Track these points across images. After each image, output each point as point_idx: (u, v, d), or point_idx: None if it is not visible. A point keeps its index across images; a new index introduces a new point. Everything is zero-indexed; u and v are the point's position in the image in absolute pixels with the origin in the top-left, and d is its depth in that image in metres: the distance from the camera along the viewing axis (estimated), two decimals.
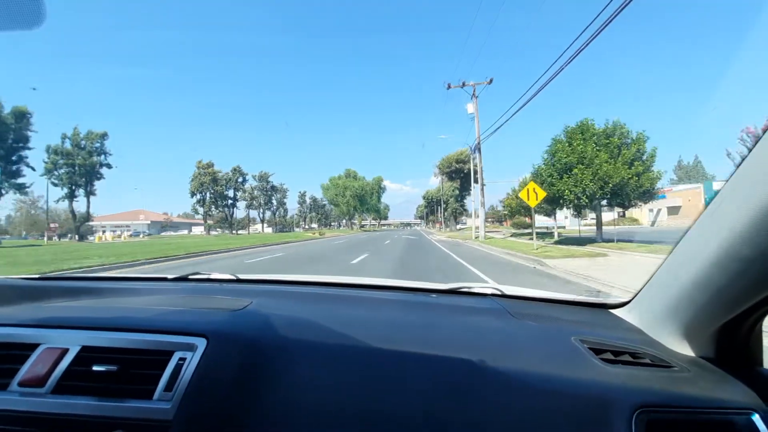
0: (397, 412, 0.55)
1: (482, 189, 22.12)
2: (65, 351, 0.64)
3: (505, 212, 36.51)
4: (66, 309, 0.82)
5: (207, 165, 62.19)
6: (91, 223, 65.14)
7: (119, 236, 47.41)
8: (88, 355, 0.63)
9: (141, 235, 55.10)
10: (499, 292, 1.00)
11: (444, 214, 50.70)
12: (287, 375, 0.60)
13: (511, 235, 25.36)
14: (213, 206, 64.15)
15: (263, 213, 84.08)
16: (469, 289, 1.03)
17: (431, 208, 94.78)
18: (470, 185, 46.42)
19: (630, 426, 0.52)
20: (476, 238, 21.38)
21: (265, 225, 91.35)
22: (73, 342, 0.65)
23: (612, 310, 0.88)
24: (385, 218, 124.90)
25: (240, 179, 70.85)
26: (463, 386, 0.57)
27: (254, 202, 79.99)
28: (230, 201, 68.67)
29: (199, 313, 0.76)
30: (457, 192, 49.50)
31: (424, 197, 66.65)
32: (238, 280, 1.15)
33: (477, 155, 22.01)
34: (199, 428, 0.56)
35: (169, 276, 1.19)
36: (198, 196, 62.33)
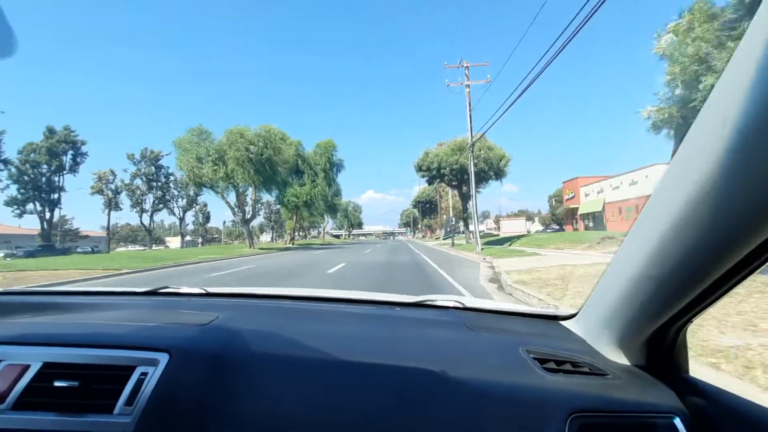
0: (357, 422, 0.58)
1: None
2: (26, 367, 0.64)
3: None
4: (28, 325, 0.82)
5: None
6: None
7: None
8: (49, 371, 0.64)
9: None
10: (460, 305, 1.05)
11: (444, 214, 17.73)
12: (250, 389, 0.62)
13: None
14: None
15: (150, 216, 51.02)
16: (432, 302, 1.08)
17: (423, 208, 63.23)
18: None
19: (564, 429, 0.56)
20: None
21: (182, 236, 58.34)
22: (35, 358, 0.65)
23: (562, 322, 0.93)
24: (359, 225, 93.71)
25: (68, 152, 37.60)
26: (421, 393, 0.61)
27: (119, 196, 46.79)
28: (45, 188, 35.28)
29: (162, 329, 0.77)
30: None
31: (419, 166, 25.04)
32: (207, 294, 1.17)
33: None
34: None
35: (138, 290, 1.20)
36: None
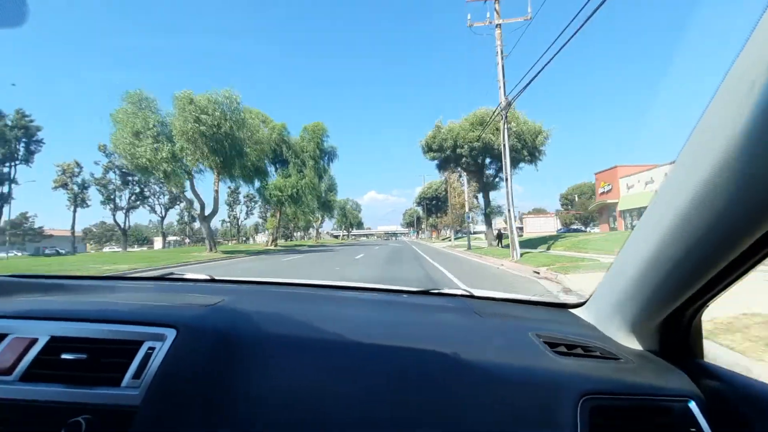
0: (364, 398, 0.58)
1: None
2: (34, 341, 0.64)
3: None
4: (36, 302, 0.83)
5: None
6: None
7: None
8: (57, 345, 0.64)
9: None
10: (468, 293, 1.06)
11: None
12: (256, 367, 0.62)
13: None
14: None
15: (126, 213, 45.93)
16: (439, 290, 1.09)
17: (428, 205, 57.20)
18: None
19: (575, 411, 0.56)
20: None
21: (169, 237, 53.39)
22: (43, 332, 0.66)
23: (571, 310, 0.93)
24: (359, 225, 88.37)
25: (21, 139, 32.49)
26: (427, 375, 0.61)
27: (87, 191, 41.75)
28: None
29: (170, 307, 0.78)
30: None
31: (428, 145, 19.46)
32: (213, 280, 1.18)
33: None
34: (166, 413, 0.57)
35: (146, 275, 1.23)
36: None
